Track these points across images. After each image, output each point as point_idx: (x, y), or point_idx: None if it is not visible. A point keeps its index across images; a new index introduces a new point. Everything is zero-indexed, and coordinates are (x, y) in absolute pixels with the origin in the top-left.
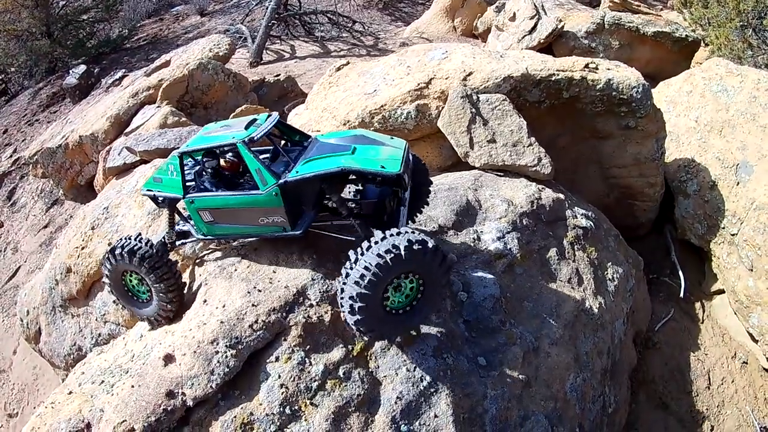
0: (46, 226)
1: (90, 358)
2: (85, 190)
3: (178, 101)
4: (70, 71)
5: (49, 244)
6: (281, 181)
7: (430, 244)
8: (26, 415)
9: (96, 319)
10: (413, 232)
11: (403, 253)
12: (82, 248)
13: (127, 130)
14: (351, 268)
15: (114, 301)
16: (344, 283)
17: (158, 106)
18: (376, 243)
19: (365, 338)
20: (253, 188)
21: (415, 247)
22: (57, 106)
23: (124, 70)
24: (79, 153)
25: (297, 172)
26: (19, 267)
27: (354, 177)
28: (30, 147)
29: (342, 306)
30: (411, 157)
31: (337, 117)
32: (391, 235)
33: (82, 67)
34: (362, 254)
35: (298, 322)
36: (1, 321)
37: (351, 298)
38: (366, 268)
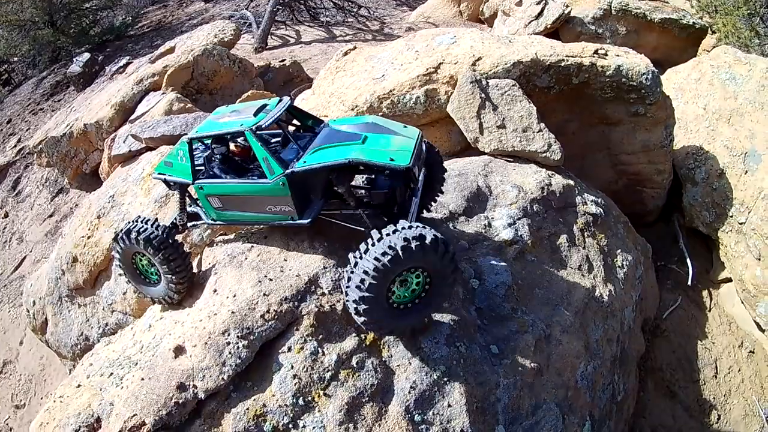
0: (51, 215)
1: (98, 348)
2: (90, 178)
3: (183, 87)
4: (74, 59)
5: (54, 233)
6: (288, 171)
7: (428, 239)
8: (33, 405)
9: (103, 309)
10: (411, 227)
11: (400, 253)
12: (89, 237)
13: (132, 117)
14: (352, 272)
15: (126, 290)
16: (347, 287)
17: (163, 93)
18: (373, 245)
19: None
20: (261, 176)
21: (413, 245)
22: (61, 94)
23: (128, 58)
24: (84, 141)
25: (305, 162)
26: (25, 257)
27: (363, 168)
28: (34, 136)
29: (348, 308)
30: (424, 147)
31: (345, 102)
32: (388, 234)
33: (86, 55)
34: (360, 258)
35: (311, 312)
36: (8, 311)
37: (355, 301)
38: (365, 272)
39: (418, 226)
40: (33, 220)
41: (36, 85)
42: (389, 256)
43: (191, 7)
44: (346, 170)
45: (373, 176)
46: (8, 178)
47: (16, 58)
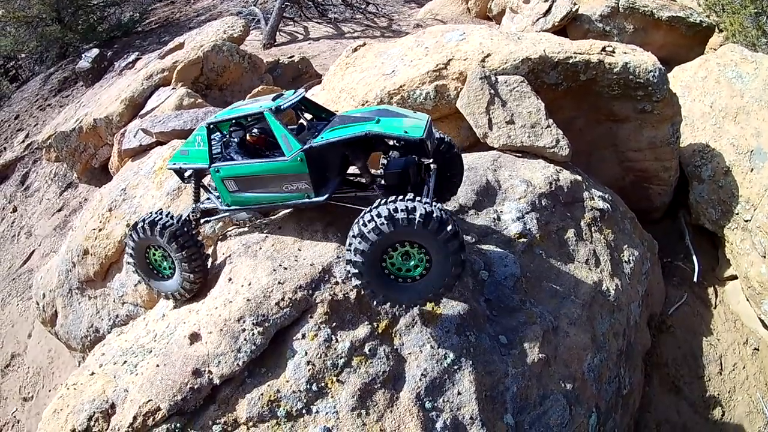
0: (60, 210)
1: (109, 339)
2: (100, 173)
3: (193, 83)
4: (83, 55)
5: (63, 227)
6: (306, 146)
7: (419, 212)
8: (41, 398)
9: (114, 301)
10: (405, 199)
11: (385, 222)
12: (100, 230)
13: (142, 112)
14: (352, 235)
15: (138, 281)
16: (347, 249)
17: (173, 88)
18: (370, 211)
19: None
20: (279, 155)
21: (399, 216)
22: (69, 90)
23: (137, 54)
24: (94, 136)
25: (322, 138)
26: (33, 251)
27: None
28: (43, 131)
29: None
30: (439, 134)
31: (356, 97)
32: (383, 203)
33: (95, 51)
34: (355, 223)
35: (324, 300)
36: (16, 305)
37: (347, 262)
38: (353, 236)
39: (414, 199)
40: (42, 214)
41: (44, 81)
42: (373, 224)
43: (199, 3)
44: (361, 148)
45: (385, 161)
46: (17, 173)
47: (23, 55)
